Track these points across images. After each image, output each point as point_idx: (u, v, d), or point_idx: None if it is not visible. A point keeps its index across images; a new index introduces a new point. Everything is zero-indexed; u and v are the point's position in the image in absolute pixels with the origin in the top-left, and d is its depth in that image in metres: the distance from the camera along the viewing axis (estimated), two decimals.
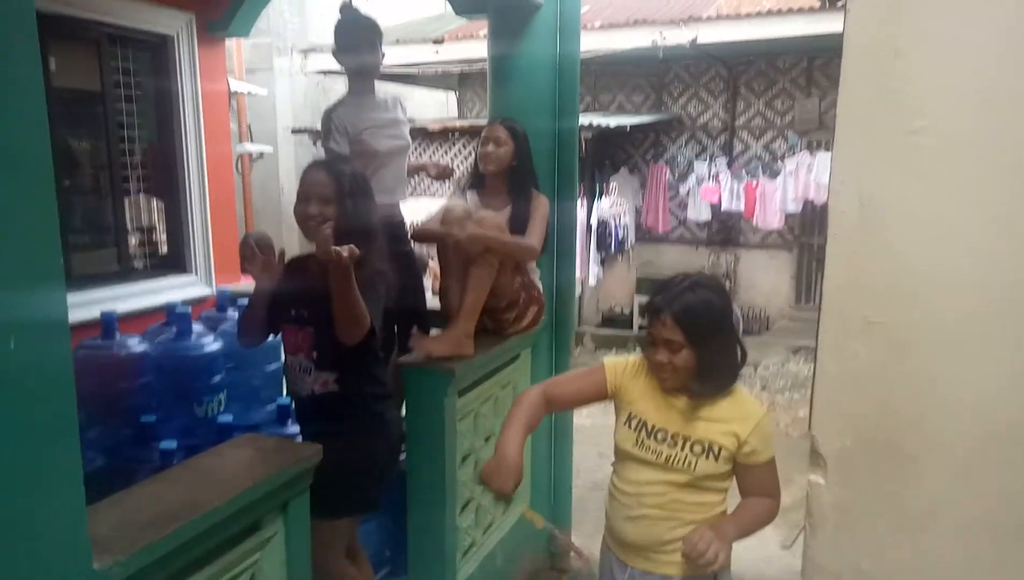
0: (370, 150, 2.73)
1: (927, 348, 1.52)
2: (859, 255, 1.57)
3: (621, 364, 1.81)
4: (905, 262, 1.53)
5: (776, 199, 7.51)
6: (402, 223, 2.90)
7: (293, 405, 2.26)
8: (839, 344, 1.63)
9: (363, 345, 1.95)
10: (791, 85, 7.87)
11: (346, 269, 1.78)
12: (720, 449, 1.67)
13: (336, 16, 2.82)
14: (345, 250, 1.75)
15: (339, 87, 8.88)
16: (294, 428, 2.59)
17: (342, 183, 1.99)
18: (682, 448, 1.69)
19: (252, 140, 8.03)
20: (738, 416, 1.69)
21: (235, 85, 6.94)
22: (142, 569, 1.27)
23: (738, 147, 8.15)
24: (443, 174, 3.21)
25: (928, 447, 1.56)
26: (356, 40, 2.76)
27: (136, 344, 2.82)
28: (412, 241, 2.97)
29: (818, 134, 7.66)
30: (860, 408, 1.63)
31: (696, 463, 1.68)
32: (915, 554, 1.60)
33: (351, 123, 2.72)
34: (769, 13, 6.70)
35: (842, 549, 1.67)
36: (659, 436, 1.71)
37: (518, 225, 2.66)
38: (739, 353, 1.72)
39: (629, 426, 1.75)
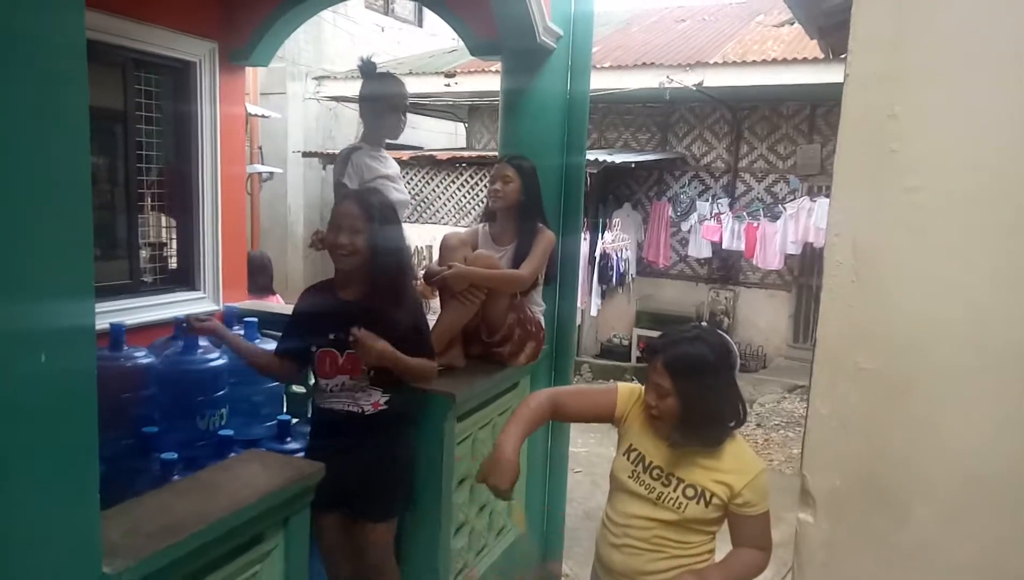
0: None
1: (918, 396, 1.56)
2: (853, 304, 1.63)
3: (634, 392, 1.82)
4: (898, 313, 1.58)
5: (776, 241, 7.62)
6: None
7: (317, 425, 2.31)
8: (831, 388, 1.68)
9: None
10: (794, 131, 8.01)
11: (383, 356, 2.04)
12: (712, 496, 1.70)
13: (356, 61, 2.92)
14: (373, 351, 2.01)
15: (350, 113, 9.05)
16: (293, 444, 2.64)
17: (372, 214, 2.09)
18: (675, 489, 1.71)
19: (263, 161, 8.15)
20: (736, 468, 1.71)
21: (249, 108, 7.07)
22: (149, 575, 1.31)
23: (740, 188, 8.28)
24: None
25: (917, 491, 1.60)
26: (382, 101, 2.86)
27: (143, 356, 2.86)
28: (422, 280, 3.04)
29: (819, 179, 7.78)
30: (851, 450, 1.67)
31: (686, 506, 1.70)
32: None
33: (367, 169, 2.81)
34: (774, 61, 6.87)
35: None
36: (655, 473, 1.74)
37: (521, 259, 2.73)
38: (734, 410, 1.73)
39: (627, 458, 1.78)
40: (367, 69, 2.85)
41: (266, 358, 2.46)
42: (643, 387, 1.81)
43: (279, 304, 4.44)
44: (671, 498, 1.71)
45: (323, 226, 2.38)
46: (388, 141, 2.99)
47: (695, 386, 1.66)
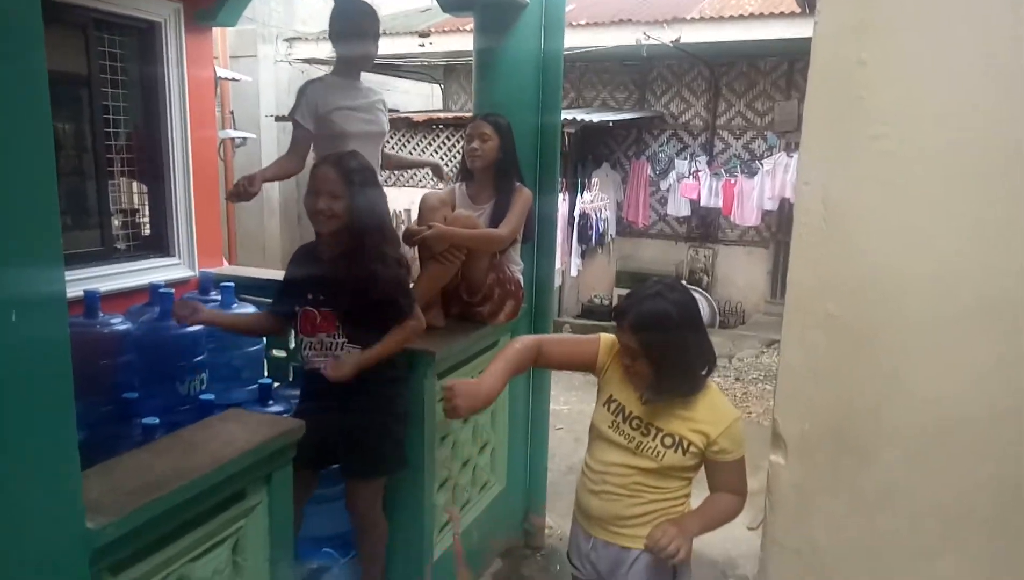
0: (338, 131, 2.77)
1: (887, 344, 1.60)
2: (822, 253, 1.66)
3: (615, 343, 1.83)
4: (867, 261, 1.61)
5: (753, 197, 7.66)
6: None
7: (307, 384, 2.35)
8: (802, 336, 1.71)
9: (387, 320, 2.16)
10: (771, 87, 8.00)
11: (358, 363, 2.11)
12: (689, 445, 1.74)
13: (327, 3, 2.85)
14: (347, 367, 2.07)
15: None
16: (275, 407, 2.65)
17: (351, 178, 2.09)
18: (653, 438, 1.75)
19: (235, 126, 8.00)
20: (711, 417, 1.75)
21: (219, 71, 6.91)
22: (133, 530, 1.33)
23: (718, 146, 8.28)
24: (440, 174, 3.36)
25: (884, 436, 1.65)
26: (351, 27, 2.80)
27: (119, 323, 2.85)
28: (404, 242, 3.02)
29: (797, 135, 7.75)
30: (820, 396, 1.71)
31: (664, 454, 1.75)
32: (870, 534, 1.69)
33: (322, 101, 2.76)
34: (751, 16, 6.81)
35: (800, 526, 1.75)
36: (634, 423, 1.78)
37: (499, 218, 2.72)
38: (704, 359, 1.75)
39: (608, 408, 1.82)
40: None
41: (251, 321, 2.57)
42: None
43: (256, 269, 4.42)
44: (650, 447, 1.75)
45: (300, 190, 2.36)
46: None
47: (662, 343, 1.67)
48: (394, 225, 3.02)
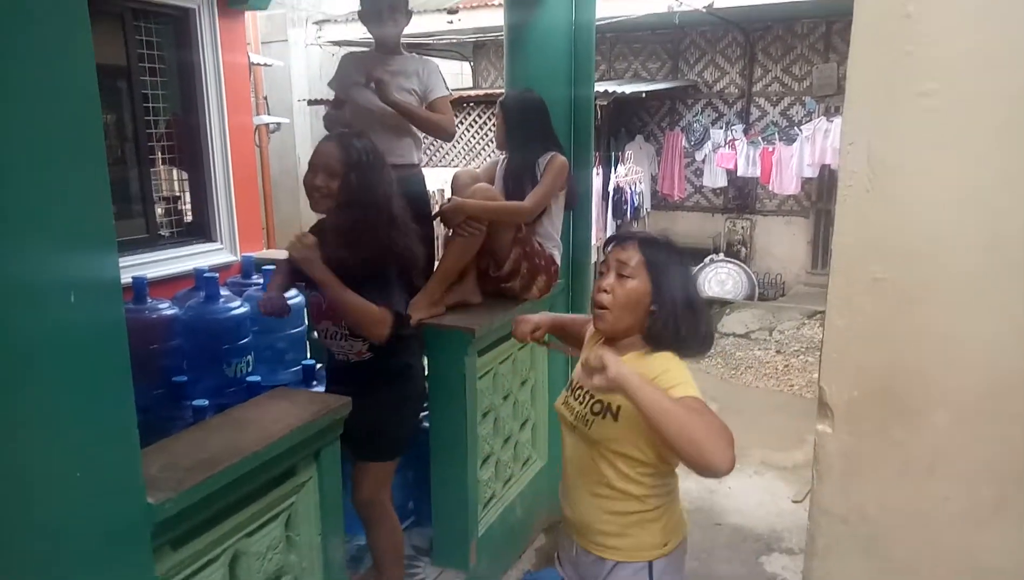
0: (371, 102, 2.74)
1: (936, 305, 1.57)
2: (868, 214, 1.62)
3: (594, 332, 1.67)
4: (915, 221, 1.57)
5: (792, 164, 7.49)
6: (422, 183, 2.97)
7: (327, 367, 2.35)
8: (847, 300, 1.68)
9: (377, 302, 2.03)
10: (809, 50, 7.78)
11: (312, 263, 1.94)
12: (619, 409, 1.47)
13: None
14: (301, 243, 1.93)
15: None
16: (319, 388, 2.69)
17: (351, 157, 1.98)
18: (583, 404, 1.55)
19: (269, 112, 8.08)
20: (645, 370, 1.43)
21: (251, 57, 6.98)
22: (191, 506, 1.37)
23: (755, 113, 8.10)
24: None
25: (933, 398, 1.62)
26: (380, 5, 2.80)
27: (167, 308, 2.92)
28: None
29: (836, 99, 7.58)
30: (867, 361, 1.68)
31: (592, 422, 1.51)
32: (919, 499, 1.67)
33: (359, 71, 2.77)
34: None
35: (848, 495, 1.73)
36: (576, 394, 1.59)
37: (510, 187, 2.75)
38: (704, 329, 1.54)
39: (567, 389, 1.67)
40: None
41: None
42: None
43: None
44: (583, 415, 1.53)
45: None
46: None
47: (668, 268, 1.50)
48: (430, 206, 3.03)
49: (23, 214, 1.06)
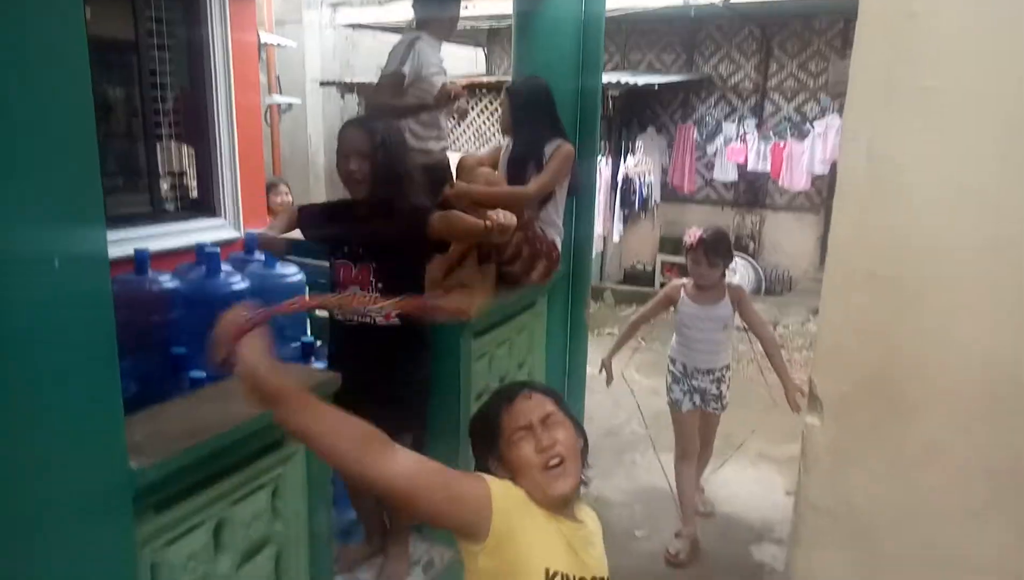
0: (434, 91, 2.88)
1: (934, 301, 1.56)
2: (866, 209, 1.60)
3: (507, 487, 1.28)
4: (911, 217, 1.56)
5: (803, 160, 7.43)
6: (448, 167, 3.10)
7: (336, 337, 2.41)
8: (844, 294, 1.67)
9: (421, 277, 2.24)
10: (826, 47, 7.69)
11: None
12: None
13: None
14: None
15: (367, 41, 8.88)
16: (318, 365, 2.71)
17: (376, 138, 2.13)
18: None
19: (281, 91, 8.08)
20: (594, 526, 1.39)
21: (265, 37, 6.97)
22: (174, 472, 1.38)
23: (769, 109, 8.03)
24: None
25: (929, 394, 1.61)
26: None
27: (167, 280, 2.94)
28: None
29: None
30: (860, 356, 1.67)
31: None
32: (908, 493, 1.66)
33: (427, 61, 2.85)
34: None
35: (835, 487, 1.72)
36: None
37: (511, 171, 2.78)
38: None
39: None
40: None
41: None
42: (511, 485, 1.29)
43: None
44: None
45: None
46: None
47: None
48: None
49: (8, 180, 1.06)
